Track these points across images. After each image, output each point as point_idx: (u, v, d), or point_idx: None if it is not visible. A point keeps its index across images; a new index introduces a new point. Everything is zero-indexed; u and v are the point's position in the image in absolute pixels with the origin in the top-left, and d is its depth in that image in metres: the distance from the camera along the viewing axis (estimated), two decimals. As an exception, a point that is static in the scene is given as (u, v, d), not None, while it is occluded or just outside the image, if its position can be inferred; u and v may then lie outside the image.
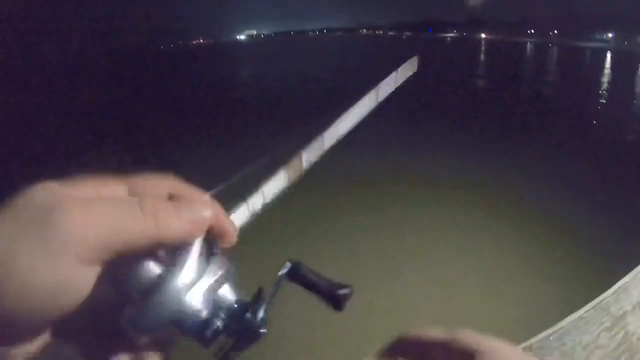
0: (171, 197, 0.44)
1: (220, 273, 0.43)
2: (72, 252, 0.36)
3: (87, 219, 0.38)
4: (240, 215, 0.52)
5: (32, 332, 0.38)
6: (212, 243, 0.45)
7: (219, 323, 0.42)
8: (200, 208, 0.44)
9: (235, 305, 0.44)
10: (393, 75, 0.75)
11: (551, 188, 7.69)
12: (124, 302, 0.40)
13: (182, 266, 0.41)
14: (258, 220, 0.54)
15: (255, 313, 0.44)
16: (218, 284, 0.43)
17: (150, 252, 0.41)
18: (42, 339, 0.39)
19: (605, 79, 28.46)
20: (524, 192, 7.64)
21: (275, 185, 0.57)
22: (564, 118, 12.97)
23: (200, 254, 0.43)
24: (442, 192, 7.79)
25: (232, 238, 0.46)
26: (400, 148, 10.29)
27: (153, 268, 0.41)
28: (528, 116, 13.18)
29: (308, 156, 0.62)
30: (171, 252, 0.42)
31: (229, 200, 0.50)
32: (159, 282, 0.40)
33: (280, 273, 0.49)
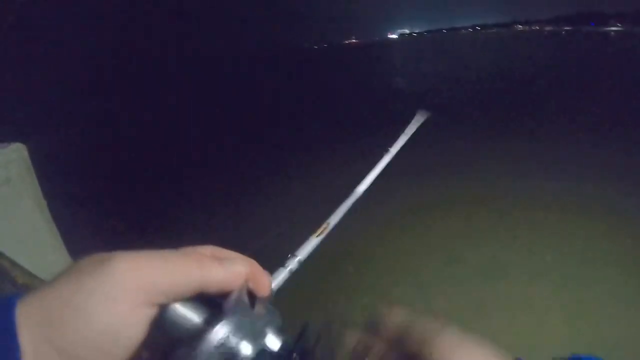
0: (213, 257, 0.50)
1: (264, 321, 0.48)
2: (127, 296, 0.41)
3: (139, 266, 0.43)
4: (280, 276, 0.60)
5: None
6: (252, 295, 0.50)
7: None
8: (238, 261, 0.50)
9: (281, 351, 0.47)
10: (403, 135, 0.87)
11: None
12: (174, 346, 0.44)
13: (228, 312, 0.45)
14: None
15: (301, 355, 0.47)
16: (263, 330, 0.47)
17: (198, 298, 0.46)
18: None
19: None
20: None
21: (307, 248, 0.66)
22: None
23: (243, 304, 0.47)
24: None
25: (268, 290, 0.52)
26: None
27: (202, 313, 0.46)
28: None
29: (334, 220, 0.71)
30: (217, 301, 0.46)
31: (269, 261, 0.59)
32: (208, 327, 0.44)
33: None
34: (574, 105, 14.85)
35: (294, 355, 0.47)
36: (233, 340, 0.44)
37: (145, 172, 11.56)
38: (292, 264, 0.62)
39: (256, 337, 0.46)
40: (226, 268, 0.48)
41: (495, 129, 12.33)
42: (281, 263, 0.62)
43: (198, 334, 0.43)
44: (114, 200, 9.30)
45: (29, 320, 0.40)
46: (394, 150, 0.84)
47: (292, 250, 0.64)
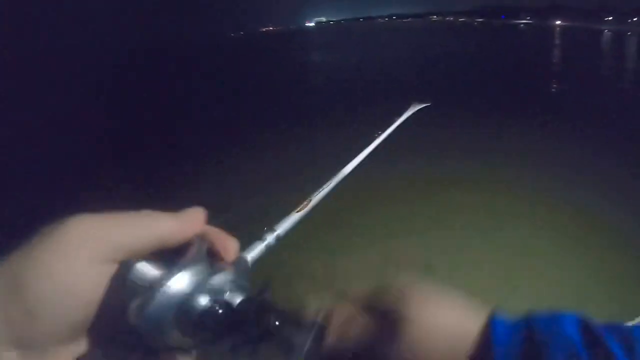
0: None
1: (225, 279, 0.48)
2: (84, 253, 0.44)
3: (95, 225, 0.46)
4: (256, 249, 0.59)
5: (55, 336, 0.44)
6: (213, 254, 0.51)
7: (222, 316, 0.46)
8: (193, 212, 0.51)
9: (239, 306, 0.47)
10: (395, 123, 0.92)
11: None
12: (132, 300, 0.45)
13: (182, 265, 0.46)
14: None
15: (262, 312, 0.47)
16: (222, 287, 0.48)
17: (155, 253, 0.48)
18: (66, 349, 0.45)
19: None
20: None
21: (287, 223, 0.66)
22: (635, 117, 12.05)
23: (202, 259, 0.48)
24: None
25: (231, 250, 0.53)
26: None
27: (157, 266, 0.46)
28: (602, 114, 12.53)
29: (316, 198, 0.73)
30: (176, 255, 0.48)
31: (246, 234, 0.59)
32: (164, 279, 0.45)
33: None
34: (481, 92, 15.91)
35: (251, 310, 0.47)
36: (189, 292, 0.45)
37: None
38: (270, 238, 0.62)
39: (215, 292, 0.47)
40: (179, 218, 0.50)
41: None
42: (259, 236, 0.61)
43: (154, 286, 0.44)
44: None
45: None
46: (383, 135, 0.87)
47: (270, 225, 0.64)
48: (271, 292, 0.50)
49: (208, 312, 0.46)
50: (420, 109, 0.95)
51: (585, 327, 0.57)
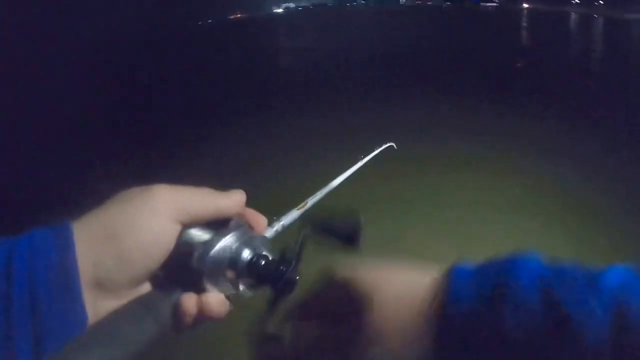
0: None
1: (260, 242, 0.65)
2: (167, 212, 0.57)
3: (173, 192, 0.59)
4: (270, 230, 0.74)
5: (135, 279, 0.57)
6: (249, 226, 0.66)
7: (262, 263, 0.61)
8: (238, 192, 0.65)
9: (271, 261, 0.63)
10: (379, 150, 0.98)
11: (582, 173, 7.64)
12: (191, 254, 0.59)
13: (230, 230, 0.62)
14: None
15: (287, 266, 0.62)
16: (260, 246, 0.64)
17: (212, 221, 0.62)
18: (136, 291, 0.58)
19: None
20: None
21: (289, 217, 0.76)
22: (606, 101, 12.51)
23: (243, 227, 0.64)
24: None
25: (262, 224, 0.69)
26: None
27: (208, 231, 0.61)
28: (567, 96, 12.87)
29: (313, 200, 0.81)
30: (223, 225, 0.63)
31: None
32: (216, 237, 0.60)
33: (302, 232, 0.69)
34: (451, 74, 16.08)
35: (290, 260, 0.64)
36: (235, 247, 0.61)
37: None
38: (278, 226, 0.72)
39: (255, 248, 0.63)
40: (229, 196, 0.64)
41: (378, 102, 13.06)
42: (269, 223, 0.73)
43: (209, 243, 0.60)
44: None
45: (86, 236, 0.53)
46: (371, 155, 0.95)
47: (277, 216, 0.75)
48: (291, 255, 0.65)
49: (251, 261, 0.61)
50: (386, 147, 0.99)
51: (542, 277, 0.57)
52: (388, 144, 1.00)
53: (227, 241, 0.60)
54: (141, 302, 0.56)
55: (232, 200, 0.64)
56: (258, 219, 0.68)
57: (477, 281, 0.60)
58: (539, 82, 15.25)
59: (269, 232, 0.71)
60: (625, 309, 0.50)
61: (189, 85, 19.80)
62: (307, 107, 13.00)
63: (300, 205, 0.78)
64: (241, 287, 0.62)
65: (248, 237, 0.63)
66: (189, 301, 0.58)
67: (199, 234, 0.61)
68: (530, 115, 10.92)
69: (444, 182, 7.55)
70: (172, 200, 0.58)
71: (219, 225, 0.62)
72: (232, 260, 0.60)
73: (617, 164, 7.67)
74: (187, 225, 0.60)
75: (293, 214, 0.76)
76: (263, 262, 0.62)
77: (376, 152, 0.97)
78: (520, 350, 0.54)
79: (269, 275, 0.62)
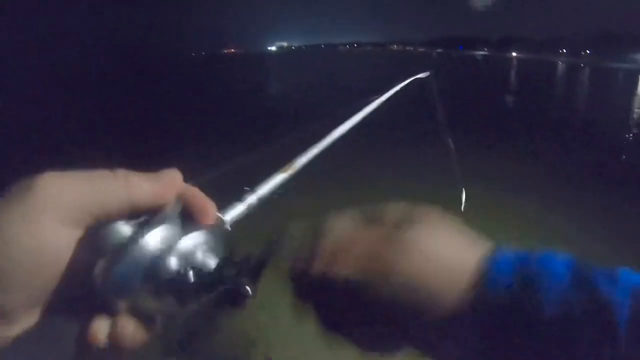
0: None
1: (199, 240, 0.45)
2: (50, 215, 0.40)
3: (62, 186, 0.41)
4: (237, 209, 0.54)
5: (19, 303, 0.40)
6: (189, 216, 0.46)
7: (192, 279, 0.42)
8: (169, 173, 0.46)
9: (215, 268, 0.44)
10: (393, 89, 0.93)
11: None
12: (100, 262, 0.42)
13: (153, 226, 0.43)
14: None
15: (239, 274, 0.44)
16: (195, 250, 0.44)
17: (126, 216, 0.43)
18: (30, 315, 0.42)
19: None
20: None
21: (270, 184, 0.60)
22: (591, 148, 12.47)
23: (175, 221, 0.45)
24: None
25: (209, 214, 0.48)
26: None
27: (125, 229, 0.43)
28: (553, 143, 12.88)
29: (301, 160, 0.68)
30: (148, 217, 0.44)
31: (227, 195, 0.55)
32: (132, 241, 0.42)
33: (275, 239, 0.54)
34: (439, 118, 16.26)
35: (228, 274, 0.44)
36: (157, 253, 0.42)
37: None
38: (251, 199, 0.57)
39: (186, 254, 0.44)
40: (154, 180, 0.45)
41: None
42: (239, 197, 0.56)
43: (122, 246, 0.42)
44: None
45: None
46: (378, 100, 0.93)
47: (251, 185, 0.59)
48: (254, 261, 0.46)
49: (176, 275, 0.42)
50: (420, 78, 0.98)
51: (577, 268, 0.53)
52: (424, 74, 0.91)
53: (147, 244, 0.42)
54: (32, 334, 0.41)
55: (158, 185, 0.45)
56: (203, 205, 0.48)
57: (518, 268, 0.53)
58: (528, 125, 15.72)
59: (233, 213, 0.53)
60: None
61: (175, 112, 20.01)
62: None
63: (286, 167, 0.65)
64: (167, 306, 0.43)
65: (180, 234, 0.44)
66: (97, 328, 0.43)
67: (110, 237, 0.42)
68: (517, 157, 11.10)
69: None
70: (62, 194, 0.41)
71: (144, 221, 0.44)
72: (151, 271, 0.42)
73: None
74: (96, 226, 0.42)
75: (275, 180, 0.61)
76: (192, 274, 0.42)
77: (410, 79, 0.89)
78: (557, 331, 0.50)
79: (201, 290, 0.43)
